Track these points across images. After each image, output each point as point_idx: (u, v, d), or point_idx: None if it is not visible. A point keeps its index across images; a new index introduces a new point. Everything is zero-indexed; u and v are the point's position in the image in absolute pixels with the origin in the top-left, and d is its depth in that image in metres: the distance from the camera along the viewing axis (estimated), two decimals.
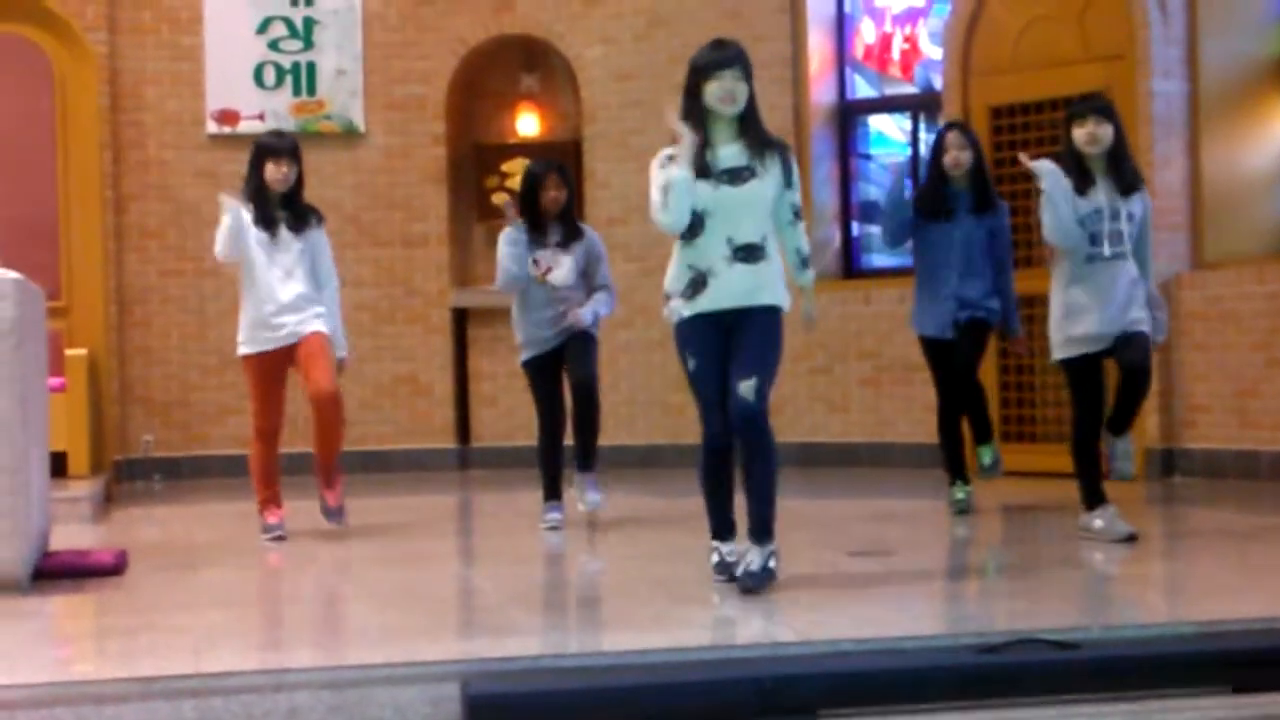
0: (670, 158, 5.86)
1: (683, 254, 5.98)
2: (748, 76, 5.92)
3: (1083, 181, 7.04)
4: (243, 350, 7.81)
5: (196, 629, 5.29)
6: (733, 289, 5.90)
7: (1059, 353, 7.14)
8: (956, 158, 8.05)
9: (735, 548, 6.01)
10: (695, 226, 5.91)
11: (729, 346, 5.92)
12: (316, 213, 7.92)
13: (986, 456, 8.28)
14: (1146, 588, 6.01)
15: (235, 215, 7.62)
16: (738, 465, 5.99)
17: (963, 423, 8.20)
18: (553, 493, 8.03)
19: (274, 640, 5.29)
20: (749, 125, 5.94)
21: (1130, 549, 7.00)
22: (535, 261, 7.93)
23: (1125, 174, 7.08)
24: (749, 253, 5.91)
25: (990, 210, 8.11)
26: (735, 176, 5.88)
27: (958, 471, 8.16)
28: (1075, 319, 7.06)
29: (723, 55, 5.91)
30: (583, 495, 8.04)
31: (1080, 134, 7.02)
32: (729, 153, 5.91)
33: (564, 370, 8.03)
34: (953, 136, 8.13)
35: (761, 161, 5.92)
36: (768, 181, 5.92)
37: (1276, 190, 9.87)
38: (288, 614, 5.91)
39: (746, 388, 5.83)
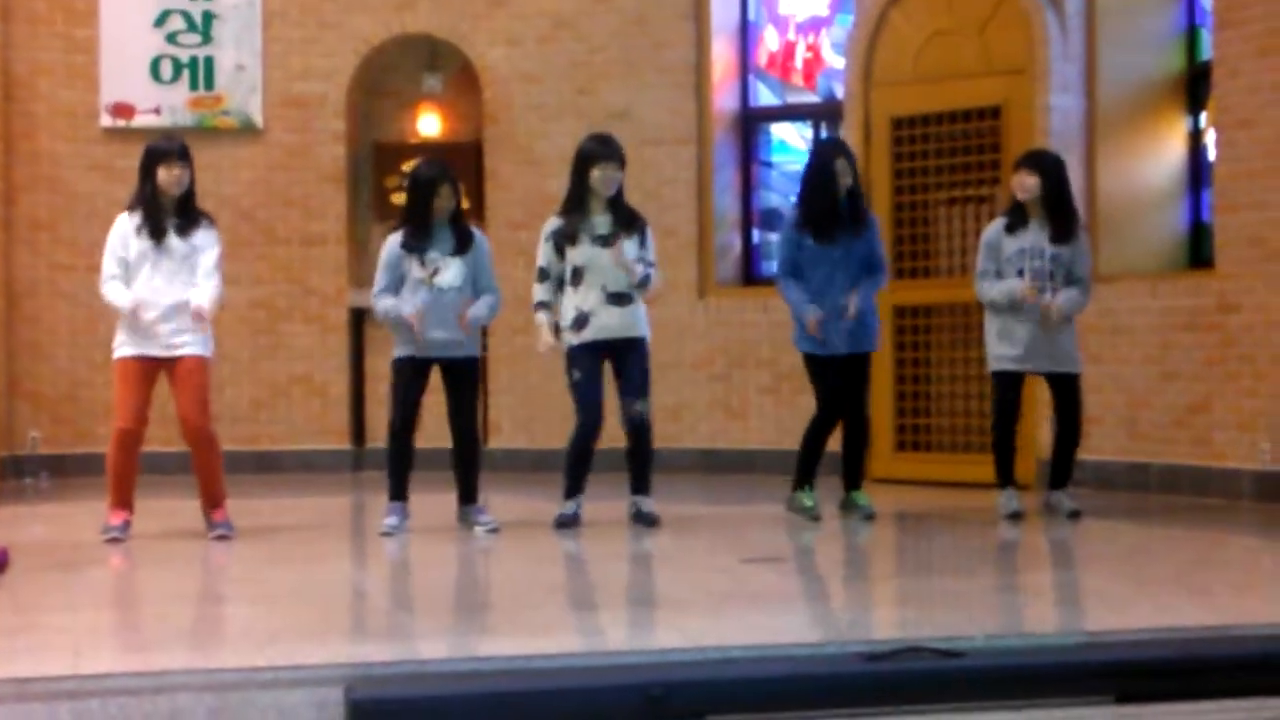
0: (556, 229, 7.96)
1: (570, 298, 7.94)
2: (622, 167, 7.95)
3: (1015, 221, 8.17)
4: (120, 353, 7.69)
5: (78, 629, 5.19)
6: (609, 325, 7.90)
7: (991, 365, 8.30)
8: (846, 184, 8.14)
9: (580, 501, 7.97)
10: (577, 277, 7.92)
11: (613, 368, 7.97)
12: (207, 216, 7.83)
13: (863, 499, 8.35)
14: (1034, 597, 6.05)
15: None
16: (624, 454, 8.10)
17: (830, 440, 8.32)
18: (398, 494, 7.91)
19: (156, 641, 5.20)
20: (617, 204, 7.96)
21: (1021, 557, 7.12)
22: (422, 264, 7.85)
23: (1059, 222, 8.10)
24: (618, 298, 7.89)
25: (863, 226, 8.20)
26: (604, 241, 7.88)
27: (807, 479, 8.24)
28: (1003, 341, 8.18)
29: (608, 149, 7.95)
30: (476, 520, 7.93)
31: (1014, 181, 8.22)
32: (600, 221, 7.92)
33: (438, 383, 7.97)
34: (841, 164, 8.15)
35: (625, 230, 7.91)
36: (629, 245, 7.89)
37: (1170, 206, 9.99)
38: (172, 615, 5.81)
39: (642, 405, 7.98)
